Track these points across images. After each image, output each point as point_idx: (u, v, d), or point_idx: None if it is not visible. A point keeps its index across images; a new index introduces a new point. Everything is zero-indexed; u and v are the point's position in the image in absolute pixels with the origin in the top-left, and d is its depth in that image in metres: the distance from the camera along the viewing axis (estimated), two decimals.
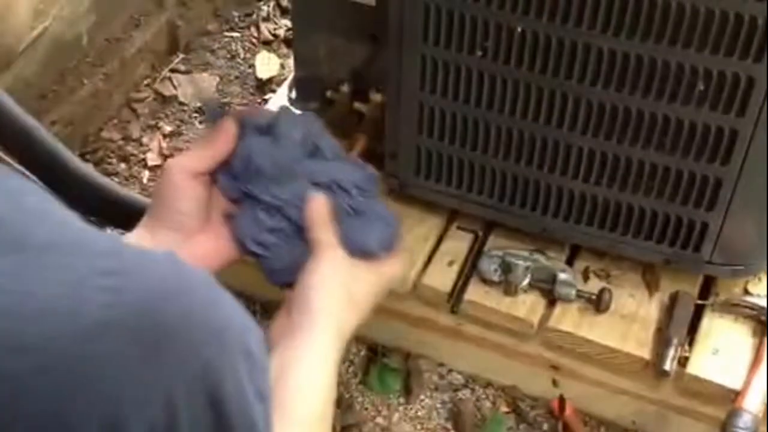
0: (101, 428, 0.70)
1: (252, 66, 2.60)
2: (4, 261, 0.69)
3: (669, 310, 1.79)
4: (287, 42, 2.61)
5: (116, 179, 2.29)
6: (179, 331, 0.73)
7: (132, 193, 2.08)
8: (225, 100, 2.54)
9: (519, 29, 1.56)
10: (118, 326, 0.70)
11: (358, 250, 1.22)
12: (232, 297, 0.80)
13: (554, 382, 1.87)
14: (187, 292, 0.76)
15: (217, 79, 2.57)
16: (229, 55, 2.64)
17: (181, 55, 2.61)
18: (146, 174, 2.34)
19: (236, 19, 2.73)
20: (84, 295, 0.70)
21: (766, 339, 1.73)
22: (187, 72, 2.58)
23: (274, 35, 2.68)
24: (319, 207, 1.23)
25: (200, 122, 2.47)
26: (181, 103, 2.51)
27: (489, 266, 1.82)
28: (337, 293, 1.17)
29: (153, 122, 2.46)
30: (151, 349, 0.72)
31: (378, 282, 1.23)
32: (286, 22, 2.65)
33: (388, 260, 1.26)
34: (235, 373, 0.77)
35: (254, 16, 2.73)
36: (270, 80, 2.54)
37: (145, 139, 2.42)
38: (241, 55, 2.64)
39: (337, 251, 1.21)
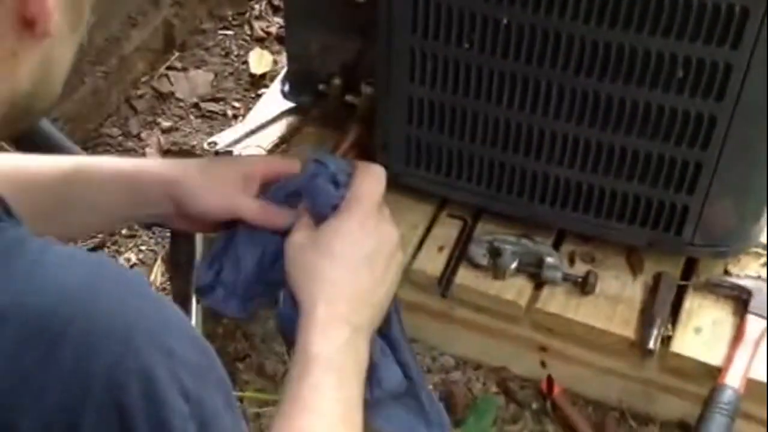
0: None
1: (246, 62, 2.60)
2: None
3: (652, 291, 1.78)
4: (279, 39, 2.60)
5: None
6: (75, 335, 0.73)
7: None
8: (220, 96, 2.53)
9: (505, 21, 1.56)
10: (14, 324, 0.72)
11: (317, 221, 1.16)
12: (158, 299, 0.81)
13: (542, 363, 1.86)
14: (94, 297, 0.75)
15: (212, 75, 2.56)
16: (223, 53, 2.64)
17: (177, 53, 2.61)
18: None
19: (230, 18, 2.73)
20: None
21: (746, 318, 1.73)
22: (183, 69, 2.57)
23: (267, 32, 2.67)
24: None
25: (197, 117, 2.47)
26: (178, 99, 2.50)
27: (478, 251, 1.81)
28: (300, 274, 1.11)
29: (151, 118, 2.45)
30: (45, 351, 0.72)
31: (343, 226, 1.11)
32: (278, 20, 2.64)
33: (345, 203, 1.14)
34: (145, 377, 0.74)
35: (247, 15, 2.73)
36: (263, 76, 2.53)
37: (143, 135, 2.41)
38: (235, 52, 2.64)
39: (288, 243, 1.13)
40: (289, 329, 1.11)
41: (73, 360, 0.72)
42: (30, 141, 1.56)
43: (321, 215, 1.14)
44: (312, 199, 1.16)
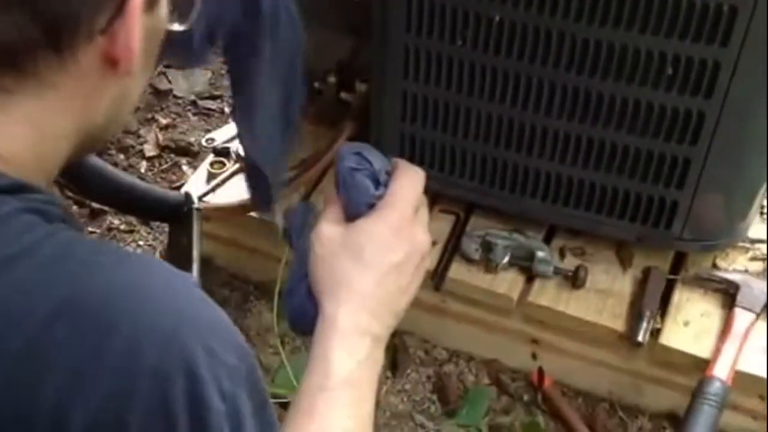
0: (49, 414, 0.74)
1: None
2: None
3: (642, 284, 1.80)
4: None
5: (129, 170, 2.30)
6: (125, 331, 0.76)
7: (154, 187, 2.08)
8: (217, 93, 2.54)
9: (497, 18, 1.57)
10: (68, 319, 0.75)
11: (350, 216, 1.12)
12: (205, 301, 0.82)
13: (533, 355, 1.88)
14: (144, 295, 0.78)
15: (210, 73, 2.57)
16: None
17: None
18: (144, 164, 2.34)
19: None
20: (52, 280, 0.76)
21: (734, 311, 1.74)
22: (180, 67, 2.57)
23: None
24: None
25: (194, 114, 2.48)
26: (176, 97, 2.51)
27: (470, 246, 1.83)
28: (327, 276, 1.07)
29: (149, 115, 2.46)
30: (97, 345, 0.75)
31: (377, 230, 1.07)
32: None
33: (381, 204, 1.09)
34: (189, 374, 0.77)
35: None
36: None
37: (141, 132, 2.42)
38: None
39: (317, 237, 1.10)
40: (301, 321, 1.08)
41: (123, 353, 0.75)
42: None
43: (355, 212, 1.10)
44: (349, 192, 1.11)
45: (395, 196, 1.08)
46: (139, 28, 0.84)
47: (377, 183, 1.11)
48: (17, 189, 0.81)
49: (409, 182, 1.11)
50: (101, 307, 0.76)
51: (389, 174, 1.12)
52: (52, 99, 0.84)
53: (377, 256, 1.05)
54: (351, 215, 1.11)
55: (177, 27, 0.95)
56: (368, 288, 1.05)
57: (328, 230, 1.08)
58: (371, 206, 1.10)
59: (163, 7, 0.90)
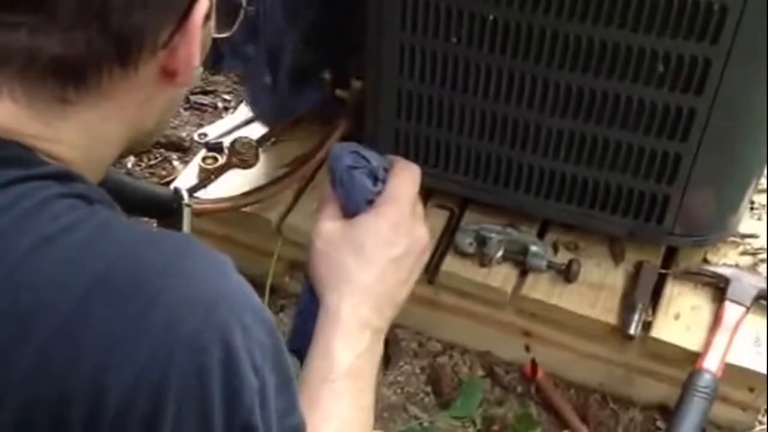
0: (86, 388, 0.75)
1: None
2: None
3: (634, 278, 1.81)
4: None
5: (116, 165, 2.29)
6: (164, 303, 0.77)
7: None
8: (210, 89, 2.53)
9: (491, 17, 1.57)
10: (108, 290, 0.76)
11: (348, 213, 1.14)
12: (240, 279, 0.83)
13: (527, 348, 1.89)
14: (183, 271, 0.80)
15: (202, 68, 2.55)
16: None
17: None
18: (132, 159, 2.33)
19: None
20: (88, 257, 0.78)
21: (724, 305, 1.76)
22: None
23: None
24: None
25: (187, 110, 2.47)
26: None
27: (465, 240, 1.83)
28: (328, 271, 1.09)
29: None
30: (136, 316, 0.76)
31: (378, 225, 1.09)
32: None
33: (380, 200, 1.11)
34: (225, 346, 0.78)
35: None
36: None
37: None
38: None
39: (317, 233, 1.12)
40: (305, 319, 1.10)
41: (160, 326, 0.76)
42: None
43: (354, 208, 1.12)
44: (348, 190, 1.13)
45: (394, 192, 1.11)
46: (198, 43, 0.87)
47: (375, 180, 1.13)
48: (62, 176, 0.83)
49: (407, 178, 1.13)
50: (138, 282, 0.78)
51: (386, 171, 1.14)
52: (108, 108, 0.87)
53: (378, 250, 1.07)
54: (350, 212, 1.12)
55: (220, 35, 0.97)
56: (369, 282, 1.07)
57: (329, 226, 1.10)
58: (370, 203, 1.11)
59: (212, 19, 0.92)
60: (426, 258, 1.15)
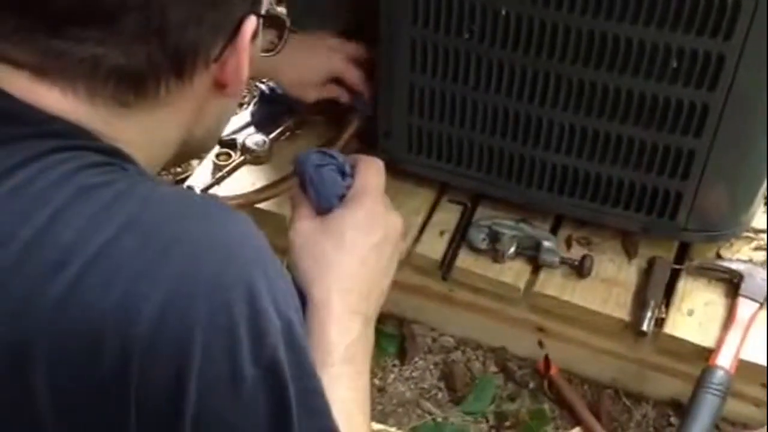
0: (114, 312, 0.79)
1: None
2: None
3: (647, 274, 1.78)
4: None
5: None
6: (186, 244, 0.82)
7: None
8: None
9: (503, 12, 1.55)
10: (137, 230, 0.82)
11: (321, 210, 1.16)
12: (262, 238, 0.88)
13: (540, 344, 1.86)
14: (205, 220, 0.85)
15: None
16: None
17: None
18: None
19: None
20: (123, 202, 0.84)
21: (738, 300, 1.73)
22: None
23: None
24: None
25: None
26: None
27: (477, 236, 1.81)
28: (312, 264, 1.12)
29: None
30: (159, 254, 0.81)
31: (354, 215, 1.13)
32: (282, 9, 2.62)
33: (351, 193, 1.16)
34: (248, 286, 0.82)
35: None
36: None
37: None
38: None
39: (296, 232, 1.16)
40: None
41: (184, 263, 0.81)
42: None
43: (327, 205, 1.14)
44: (318, 188, 1.15)
45: (363, 183, 1.16)
46: (247, 58, 0.95)
47: (343, 175, 1.17)
48: (109, 151, 0.90)
49: (373, 170, 1.18)
50: (163, 223, 0.83)
51: (351, 167, 1.18)
52: (164, 114, 0.94)
53: (358, 238, 1.12)
54: (323, 209, 1.15)
55: (267, 53, 1.07)
56: (354, 269, 1.10)
57: (305, 224, 1.15)
58: (341, 197, 1.15)
59: (260, 37, 1.00)
60: (402, 246, 1.22)
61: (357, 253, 1.11)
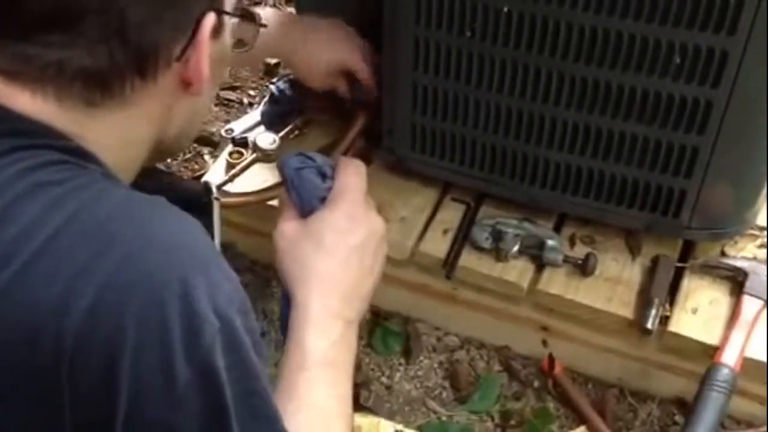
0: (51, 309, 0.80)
1: None
2: None
3: (651, 272, 1.76)
4: None
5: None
6: (125, 242, 0.83)
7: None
8: (237, 84, 2.52)
9: (505, 9, 1.53)
10: (79, 227, 0.83)
11: (304, 212, 1.18)
12: (208, 242, 0.90)
13: (544, 342, 1.85)
14: (147, 219, 0.86)
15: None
16: None
17: None
18: None
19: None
20: (68, 201, 0.85)
21: (742, 298, 1.71)
22: None
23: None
24: None
25: (215, 105, 2.45)
26: None
27: (481, 234, 1.80)
28: (293, 266, 1.14)
29: None
30: (97, 250, 0.82)
31: (334, 217, 1.15)
32: (291, 10, 2.62)
33: (332, 195, 1.18)
34: (184, 285, 0.82)
35: (261, 4, 2.70)
36: (277, 64, 2.50)
37: None
38: None
39: (279, 234, 1.18)
40: (284, 319, 1.12)
41: (120, 260, 0.82)
42: None
43: (308, 207, 1.15)
44: (299, 190, 1.17)
45: (344, 185, 1.17)
46: (207, 55, 0.96)
47: (324, 177, 1.18)
48: (71, 151, 0.91)
49: (353, 172, 1.19)
50: (103, 223, 0.83)
51: (332, 169, 1.18)
52: (133, 112, 0.95)
53: (338, 241, 1.13)
54: (305, 211, 1.16)
55: (239, 50, 1.09)
56: (334, 271, 1.11)
57: (288, 226, 1.16)
58: (323, 199, 1.16)
59: (228, 35, 1.01)
60: (385, 248, 1.19)
61: (338, 255, 1.12)
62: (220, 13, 0.98)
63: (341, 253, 1.12)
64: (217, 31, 0.97)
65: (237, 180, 1.93)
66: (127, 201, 0.88)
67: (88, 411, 0.80)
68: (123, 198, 0.88)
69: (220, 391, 0.84)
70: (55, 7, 0.88)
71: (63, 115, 0.91)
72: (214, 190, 1.71)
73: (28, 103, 0.90)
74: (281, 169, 1.20)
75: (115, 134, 0.95)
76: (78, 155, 0.91)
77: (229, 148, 1.99)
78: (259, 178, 1.92)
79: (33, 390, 0.81)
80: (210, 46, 0.97)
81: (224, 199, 1.80)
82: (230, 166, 1.95)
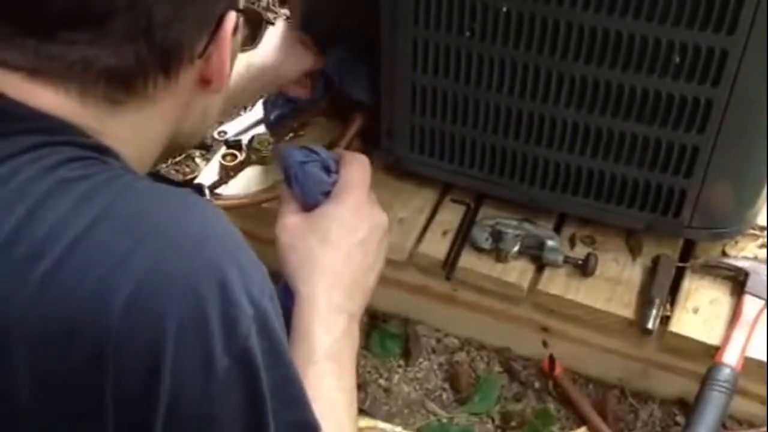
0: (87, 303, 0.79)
1: None
2: None
3: (651, 272, 1.76)
4: None
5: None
6: (160, 236, 0.83)
7: None
8: None
9: (504, 9, 1.53)
10: (111, 221, 0.82)
11: (307, 206, 1.18)
12: (236, 231, 0.89)
13: (544, 343, 1.84)
14: (180, 212, 0.86)
15: None
16: None
17: None
18: None
19: None
20: (99, 194, 0.84)
21: (743, 298, 1.70)
22: None
23: (274, 24, 2.62)
24: None
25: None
26: None
27: (481, 235, 1.79)
28: (297, 260, 1.14)
29: None
30: (135, 243, 0.81)
31: (339, 212, 1.16)
32: (286, 11, 2.61)
33: (337, 189, 1.19)
34: (219, 277, 0.82)
35: (255, 6, 2.69)
36: None
37: None
38: None
39: (282, 228, 1.18)
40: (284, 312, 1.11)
41: (154, 256, 0.81)
42: None
43: (312, 201, 1.15)
44: (303, 184, 1.16)
45: (348, 180, 1.18)
46: (229, 52, 0.98)
47: (328, 171, 1.18)
48: (92, 147, 0.91)
49: (359, 167, 1.20)
50: (135, 216, 0.83)
51: (336, 163, 1.19)
52: (152, 110, 0.96)
53: (343, 235, 1.14)
54: (308, 205, 1.16)
55: (246, 48, 1.10)
56: (338, 266, 1.12)
57: (292, 220, 1.16)
58: (326, 194, 1.16)
59: (240, 32, 1.03)
60: (387, 243, 1.20)
61: (342, 249, 1.13)
62: (238, 11, 0.99)
63: (346, 248, 1.13)
64: (236, 29, 0.99)
65: (231, 182, 1.93)
66: (155, 193, 0.88)
67: (131, 405, 0.81)
68: (150, 190, 0.88)
69: (257, 378, 0.84)
70: (81, 6, 0.88)
71: (84, 112, 0.91)
72: (207, 192, 1.71)
73: (50, 99, 0.90)
74: (283, 163, 1.19)
75: (134, 131, 0.96)
76: (98, 151, 0.90)
77: (223, 150, 1.98)
78: (252, 180, 1.92)
79: (74, 388, 0.81)
80: (231, 43, 0.99)
81: (216, 202, 1.79)
82: (223, 168, 1.94)
